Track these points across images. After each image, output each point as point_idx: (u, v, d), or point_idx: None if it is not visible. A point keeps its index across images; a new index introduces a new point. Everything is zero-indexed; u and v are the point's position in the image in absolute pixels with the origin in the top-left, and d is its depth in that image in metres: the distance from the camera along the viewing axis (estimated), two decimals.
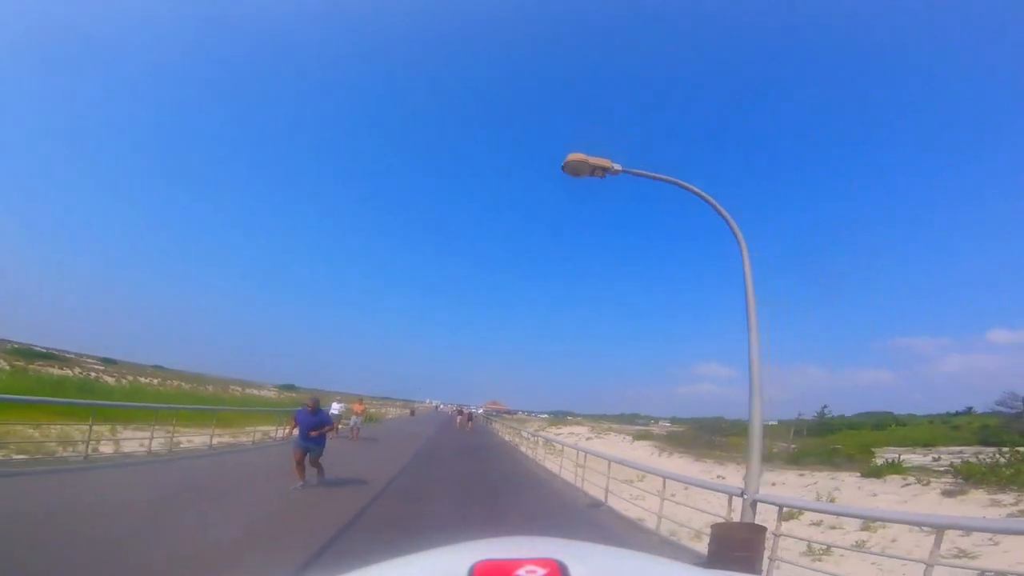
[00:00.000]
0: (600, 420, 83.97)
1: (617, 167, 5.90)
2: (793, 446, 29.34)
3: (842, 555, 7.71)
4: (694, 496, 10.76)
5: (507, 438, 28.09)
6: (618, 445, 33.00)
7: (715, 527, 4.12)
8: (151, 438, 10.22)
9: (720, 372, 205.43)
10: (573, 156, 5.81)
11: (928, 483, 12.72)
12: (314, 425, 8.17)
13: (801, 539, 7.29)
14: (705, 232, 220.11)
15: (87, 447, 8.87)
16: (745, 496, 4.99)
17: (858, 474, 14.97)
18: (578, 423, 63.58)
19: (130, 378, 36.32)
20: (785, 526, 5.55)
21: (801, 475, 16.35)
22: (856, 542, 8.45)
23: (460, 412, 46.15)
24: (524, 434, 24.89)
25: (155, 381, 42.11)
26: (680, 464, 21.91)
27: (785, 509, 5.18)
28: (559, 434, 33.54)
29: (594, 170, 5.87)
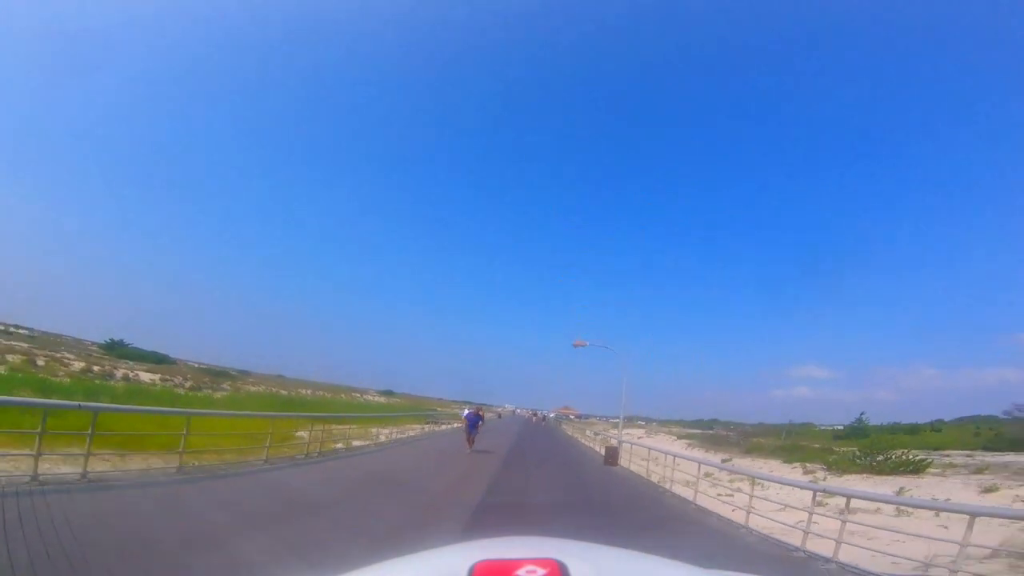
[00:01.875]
0: (669, 424, 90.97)
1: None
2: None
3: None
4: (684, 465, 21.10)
5: (569, 432, 39.42)
6: (660, 441, 42.66)
7: (606, 447, 15.26)
8: (386, 431, 22.62)
9: (817, 374, 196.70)
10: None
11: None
12: (475, 420, 19.82)
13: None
14: (800, 225, 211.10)
15: (346, 441, 21.35)
16: (702, 462, 15.90)
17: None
18: (639, 426, 73.25)
19: (320, 393, 52.25)
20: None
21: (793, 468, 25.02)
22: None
23: (534, 415, 66.53)
24: (588, 432, 35.96)
25: (309, 392, 58.60)
26: (693, 453, 31.58)
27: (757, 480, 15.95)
28: (612, 432, 44.14)
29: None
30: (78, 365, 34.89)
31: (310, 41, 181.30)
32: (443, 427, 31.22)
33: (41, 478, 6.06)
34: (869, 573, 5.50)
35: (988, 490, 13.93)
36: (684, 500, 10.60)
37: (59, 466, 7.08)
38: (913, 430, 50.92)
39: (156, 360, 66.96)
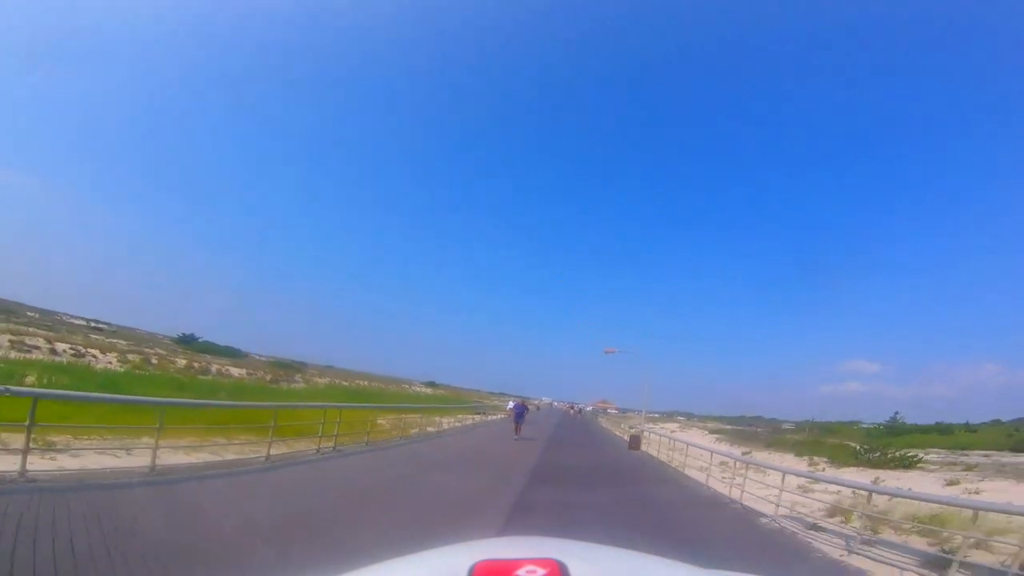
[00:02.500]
0: (708, 420, 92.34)
1: None
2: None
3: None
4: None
5: (604, 424, 43.05)
6: (692, 435, 45.51)
7: (630, 435, 18.94)
8: (447, 421, 27.02)
9: (867, 368, 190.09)
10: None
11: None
12: (521, 411, 23.82)
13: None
14: (848, 217, 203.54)
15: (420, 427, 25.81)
16: (729, 454, 19.53)
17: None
18: (675, 420, 75.77)
19: (377, 385, 58.06)
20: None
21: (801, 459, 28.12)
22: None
23: (571, 407, 68.83)
24: (622, 425, 39.46)
25: (366, 384, 64.70)
26: (717, 446, 34.45)
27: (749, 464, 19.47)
28: (648, 426, 47.27)
29: None
30: (181, 362, 41.46)
31: (341, 39, 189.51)
32: (490, 418, 35.47)
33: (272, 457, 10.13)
34: (763, 513, 9.07)
35: (951, 483, 16.63)
36: (687, 476, 14.18)
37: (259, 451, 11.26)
38: (946, 430, 51.06)
39: (229, 354, 74.40)
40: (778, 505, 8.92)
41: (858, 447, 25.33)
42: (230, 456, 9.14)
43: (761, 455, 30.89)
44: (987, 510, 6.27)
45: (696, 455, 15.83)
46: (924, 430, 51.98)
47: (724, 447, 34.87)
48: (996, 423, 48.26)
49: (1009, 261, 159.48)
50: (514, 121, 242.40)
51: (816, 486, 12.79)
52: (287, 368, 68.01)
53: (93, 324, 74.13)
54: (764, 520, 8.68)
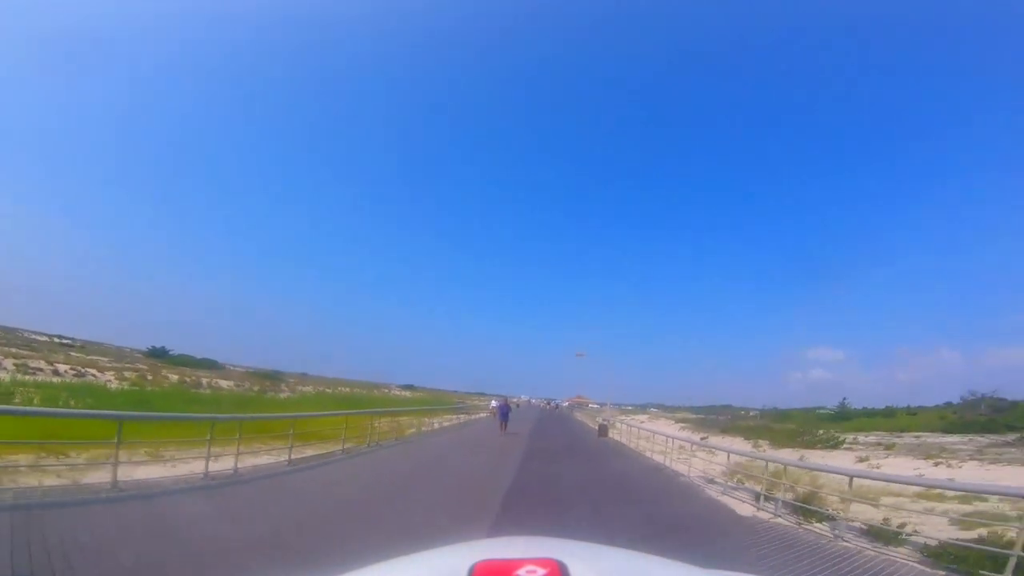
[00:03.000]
0: (678, 411, 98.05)
1: None
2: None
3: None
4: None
5: (578, 417, 46.98)
6: (659, 425, 49.99)
7: (599, 425, 22.59)
8: (436, 421, 30.11)
9: (832, 356, 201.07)
10: None
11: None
12: (505, 410, 27.01)
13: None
14: (805, 211, 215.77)
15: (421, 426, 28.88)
16: (689, 440, 23.21)
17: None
18: (647, 413, 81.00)
19: (358, 390, 60.14)
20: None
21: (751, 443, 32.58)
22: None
23: (548, 403, 73.79)
24: (597, 418, 43.22)
25: (348, 390, 66.82)
26: (679, 433, 38.70)
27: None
28: (620, 418, 51.52)
29: None
30: (174, 377, 42.85)
31: (336, 43, 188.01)
32: (474, 417, 38.51)
33: (294, 461, 13.22)
34: (682, 474, 12.75)
35: (861, 460, 20.93)
36: (641, 454, 17.86)
37: (295, 454, 14.23)
38: (890, 413, 57.18)
39: (207, 366, 74.88)
40: (689, 469, 12.72)
41: (793, 430, 29.86)
42: (284, 457, 11.04)
43: (716, 439, 35.26)
44: (819, 470, 10.14)
45: (655, 440, 19.55)
46: (871, 414, 57.96)
47: (683, 433, 39.16)
48: (947, 406, 53.50)
49: (970, 250, 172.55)
50: (483, 120, 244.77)
51: (737, 460, 16.64)
52: (266, 378, 69.27)
53: (58, 340, 72.99)
54: (682, 479, 12.44)
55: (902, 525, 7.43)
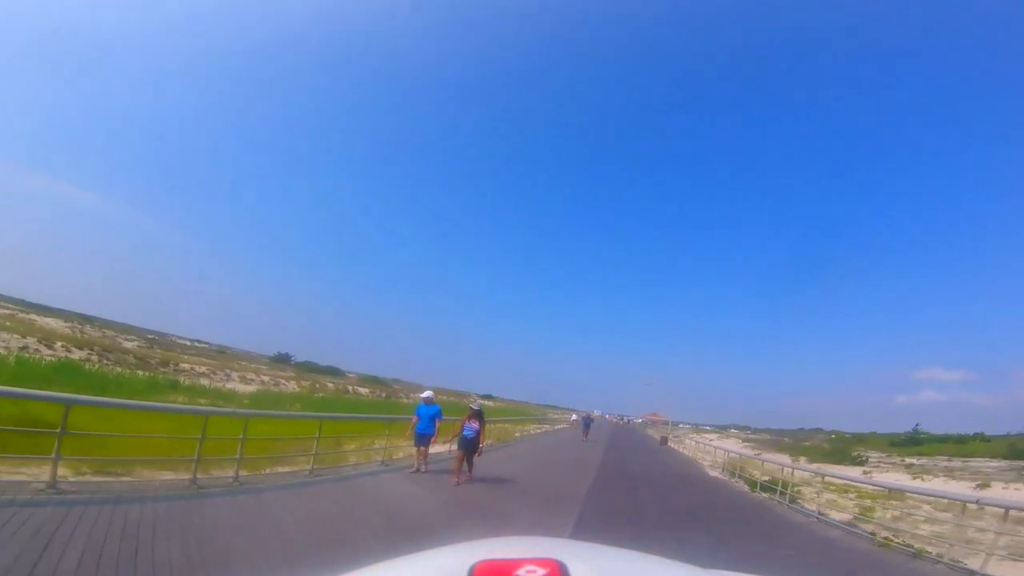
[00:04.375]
0: (759, 432, 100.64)
1: None
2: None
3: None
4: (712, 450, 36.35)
5: (648, 432, 54.82)
6: (726, 443, 56.24)
7: (660, 437, 31.40)
8: (531, 428, 39.99)
9: (945, 377, 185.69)
10: None
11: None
12: (588, 422, 35.76)
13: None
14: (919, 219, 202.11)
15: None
16: (732, 452, 31.86)
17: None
18: (720, 432, 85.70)
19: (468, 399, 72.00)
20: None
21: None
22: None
23: (620, 419, 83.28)
24: (670, 435, 51.09)
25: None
26: (735, 447, 45.48)
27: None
28: (690, 435, 58.47)
29: None
30: (331, 386, 57.01)
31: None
32: (556, 427, 47.74)
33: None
34: (703, 466, 21.58)
35: (866, 472, 27.70)
36: (685, 455, 26.51)
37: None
38: (961, 440, 57.95)
39: (333, 373, 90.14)
40: (705, 461, 21.58)
41: (832, 450, 36.07)
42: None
43: (767, 455, 41.92)
44: (792, 468, 18.67)
45: (703, 450, 28.06)
46: (942, 440, 59.31)
47: (734, 447, 45.73)
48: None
49: None
50: (565, 130, 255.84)
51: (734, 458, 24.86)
52: (380, 384, 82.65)
53: (198, 344, 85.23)
54: (697, 466, 21.32)
55: (776, 480, 16.05)
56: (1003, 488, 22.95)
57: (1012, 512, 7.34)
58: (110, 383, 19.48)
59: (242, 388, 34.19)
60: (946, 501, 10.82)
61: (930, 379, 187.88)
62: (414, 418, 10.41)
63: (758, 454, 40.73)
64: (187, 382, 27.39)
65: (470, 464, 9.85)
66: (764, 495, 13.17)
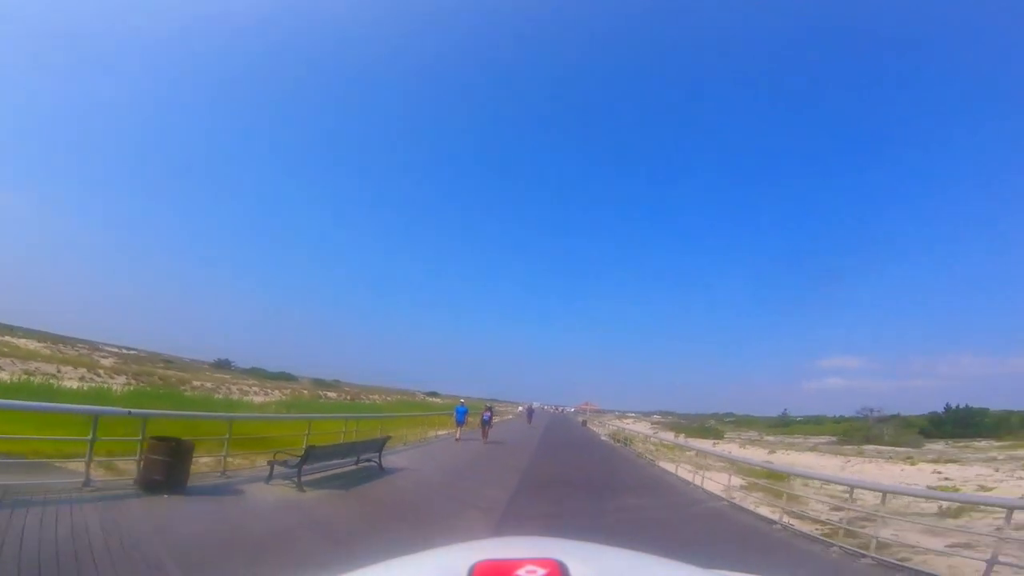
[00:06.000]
0: (670, 416, 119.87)
1: None
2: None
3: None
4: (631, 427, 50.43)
5: (578, 420, 69.08)
6: (639, 426, 71.80)
7: (582, 420, 45.06)
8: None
9: (849, 364, 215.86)
10: None
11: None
12: (531, 411, 49.16)
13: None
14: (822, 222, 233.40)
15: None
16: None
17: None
18: (632, 417, 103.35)
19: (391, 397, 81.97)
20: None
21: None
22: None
23: (556, 408, 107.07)
24: (594, 421, 65.23)
25: (379, 397, 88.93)
26: (641, 427, 60.58)
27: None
28: (611, 420, 73.49)
29: None
30: (306, 394, 65.20)
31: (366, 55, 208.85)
32: (505, 418, 60.23)
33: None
34: (601, 436, 35.14)
35: (716, 443, 42.69)
36: (596, 433, 40.05)
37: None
38: (819, 421, 77.95)
39: (285, 378, 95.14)
40: (605, 433, 35.12)
41: (705, 427, 51.65)
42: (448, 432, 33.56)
43: (663, 434, 57.25)
44: (671, 444, 32.10)
45: (613, 428, 41.38)
46: (805, 422, 79.08)
47: (641, 428, 60.68)
48: (843, 418, 72.81)
49: (987, 257, 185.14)
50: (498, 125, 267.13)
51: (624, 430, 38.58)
52: (328, 387, 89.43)
53: (125, 351, 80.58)
54: (604, 438, 34.60)
55: (630, 439, 29.50)
56: (779, 453, 38.53)
57: (730, 459, 20.53)
58: (203, 404, 28.74)
59: (261, 399, 42.82)
60: (714, 454, 24.40)
61: (836, 367, 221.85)
62: (455, 413, 21.87)
63: (656, 432, 55.75)
64: (229, 397, 36.39)
65: (485, 434, 21.35)
66: (619, 445, 26.44)
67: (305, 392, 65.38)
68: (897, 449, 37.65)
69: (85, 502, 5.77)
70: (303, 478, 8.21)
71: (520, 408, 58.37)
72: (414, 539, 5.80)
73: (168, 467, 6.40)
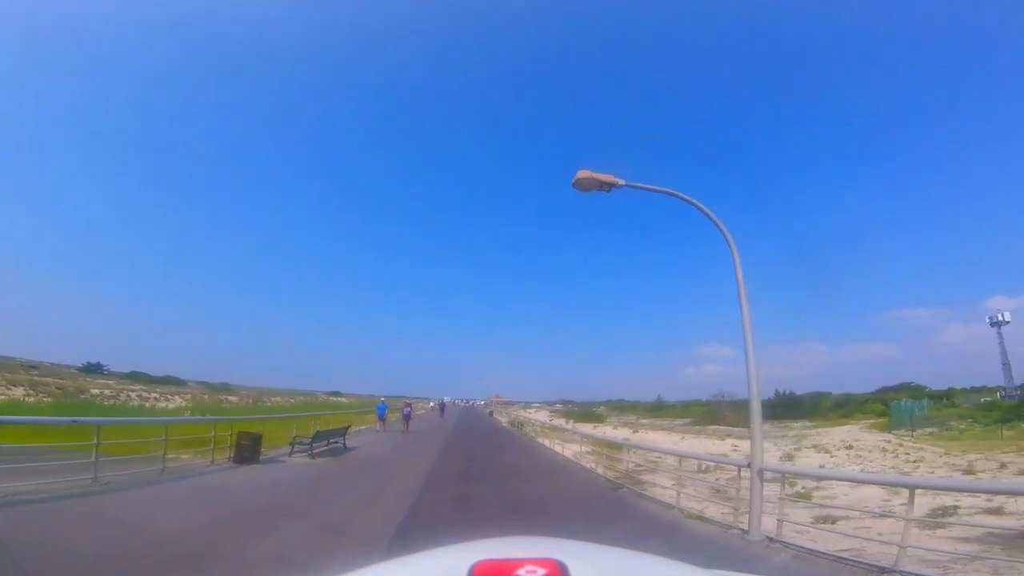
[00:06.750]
0: (566, 404, 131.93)
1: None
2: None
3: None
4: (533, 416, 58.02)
5: (487, 412, 76.34)
6: (538, 415, 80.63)
7: (489, 411, 52.08)
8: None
9: (723, 353, 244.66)
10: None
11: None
12: (444, 404, 55.67)
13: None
14: (699, 224, 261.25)
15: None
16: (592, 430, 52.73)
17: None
18: (536, 408, 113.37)
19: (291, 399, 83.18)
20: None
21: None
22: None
23: (466, 402, 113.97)
24: (502, 411, 72.38)
25: (281, 399, 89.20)
26: (540, 416, 69.23)
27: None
28: (516, 411, 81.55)
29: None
30: (208, 398, 64.09)
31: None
32: (418, 413, 65.30)
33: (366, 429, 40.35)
34: (502, 422, 42.52)
35: (596, 427, 51.89)
36: (499, 421, 47.25)
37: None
38: (689, 405, 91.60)
39: (173, 382, 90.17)
40: (505, 420, 42.53)
41: (588, 413, 61.33)
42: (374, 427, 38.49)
43: (556, 420, 66.23)
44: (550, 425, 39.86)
45: (514, 416, 48.62)
46: (677, 406, 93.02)
47: (540, 416, 69.34)
48: (699, 402, 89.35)
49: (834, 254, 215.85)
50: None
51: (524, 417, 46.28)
52: (222, 391, 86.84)
53: None
54: (505, 425, 41.90)
55: (523, 424, 37.03)
56: (640, 432, 48.54)
57: (586, 435, 28.13)
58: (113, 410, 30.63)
59: (164, 405, 43.49)
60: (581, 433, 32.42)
61: (712, 354, 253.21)
62: (376, 410, 27.23)
63: (552, 419, 64.49)
64: (142, 405, 37.47)
65: (407, 425, 27.04)
66: (514, 429, 33.75)
67: (206, 397, 65.09)
68: (733, 429, 48.80)
69: (216, 472, 10.63)
70: (313, 452, 13.80)
71: (432, 403, 63.74)
72: (383, 479, 11.40)
73: (250, 449, 11.66)
